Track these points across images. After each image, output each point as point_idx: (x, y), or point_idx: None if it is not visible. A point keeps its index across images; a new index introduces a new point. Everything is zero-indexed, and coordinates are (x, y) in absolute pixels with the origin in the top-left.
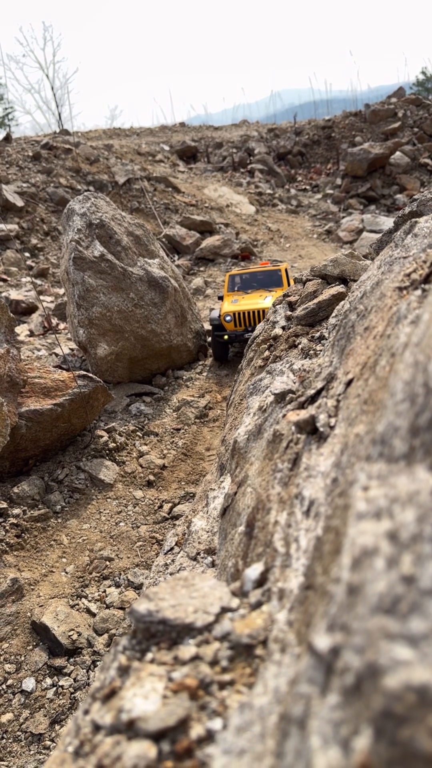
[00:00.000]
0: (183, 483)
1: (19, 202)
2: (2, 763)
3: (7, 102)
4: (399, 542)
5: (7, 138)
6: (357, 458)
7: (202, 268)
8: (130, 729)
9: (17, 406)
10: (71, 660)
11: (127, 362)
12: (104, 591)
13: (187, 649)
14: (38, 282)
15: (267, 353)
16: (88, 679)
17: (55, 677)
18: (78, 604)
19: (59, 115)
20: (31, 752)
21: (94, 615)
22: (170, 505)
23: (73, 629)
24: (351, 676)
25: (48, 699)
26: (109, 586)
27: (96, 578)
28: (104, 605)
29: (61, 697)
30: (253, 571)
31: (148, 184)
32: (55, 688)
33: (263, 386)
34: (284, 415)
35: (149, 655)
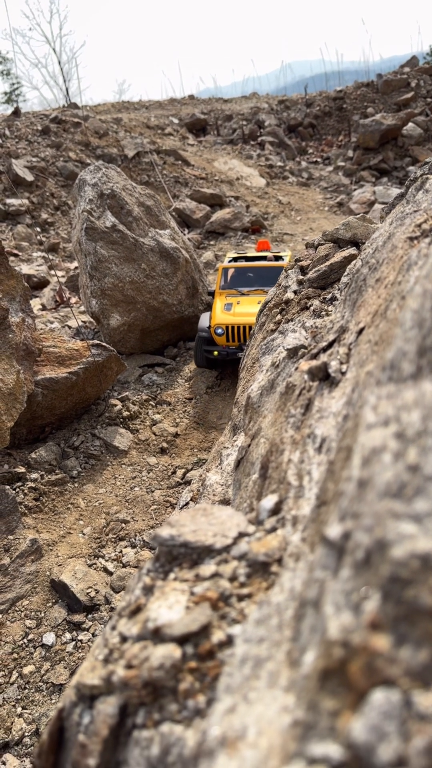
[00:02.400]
0: (195, 450)
1: (29, 177)
2: (25, 711)
3: (14, 77)
4: (405, 439)
5: (16, 112)
6: (368, 389)
7: (212, 242)
8: (156, 635)
9: (33, 375)
10: (89, 616)
11: (139, 333)
12: (120, 551)
13: (208, 568)
14: (49, 257)
15: (279, 317)
16: None
17: (74, 632)
18: (95, 564)
19: (67, 89)
20: (53, 701)
21: (111, 574)
22: (183, 470)
23: (90, 587)
24: (361, 551)
25: (68, 652)
26: (125, 547)
27: (112, 539)
28: (121, 564)
29: (80, 651)
30: (268, 501)
31: (158, 158)
32: (74, 642)
33: (276, 345)
34: (297, 368)
35: (172, 575)
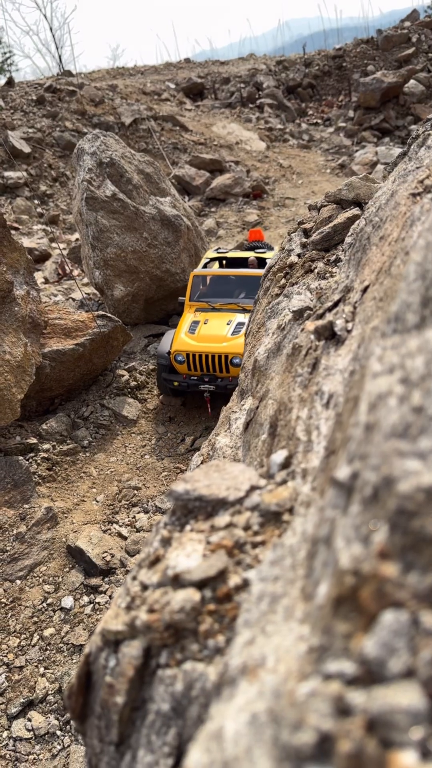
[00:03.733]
0: (203, 419)
1: (26, 149)
2: (48, 671)
3: (5, 46)
4: (409, 383)
5: (10, 82)
6: (373, 342)
7: (213, 209)
8: (175, 582)
9: (40, 347)
10: (106, 579)
11: (143, 303)
12: (134, 517)
13: (222, 519)
14: (50, 229)
15: (283, 281)
16: None
17: (92, 595)
18: (110, 529)
19: (60, 57)
20: (74, 661)
21: (125, 538)
22: (192, 438)
23: (106, 551)
24: (369, 488)
25: (86, 614)
26: (138, 512)
27: (125, 506)
28: (135, 529)
29: (98, 613)
30: (278, 456)
31: (155, 124)
32: (92, 605)
33: (281, 308)
34: (302, 329)
35: (188, 527)
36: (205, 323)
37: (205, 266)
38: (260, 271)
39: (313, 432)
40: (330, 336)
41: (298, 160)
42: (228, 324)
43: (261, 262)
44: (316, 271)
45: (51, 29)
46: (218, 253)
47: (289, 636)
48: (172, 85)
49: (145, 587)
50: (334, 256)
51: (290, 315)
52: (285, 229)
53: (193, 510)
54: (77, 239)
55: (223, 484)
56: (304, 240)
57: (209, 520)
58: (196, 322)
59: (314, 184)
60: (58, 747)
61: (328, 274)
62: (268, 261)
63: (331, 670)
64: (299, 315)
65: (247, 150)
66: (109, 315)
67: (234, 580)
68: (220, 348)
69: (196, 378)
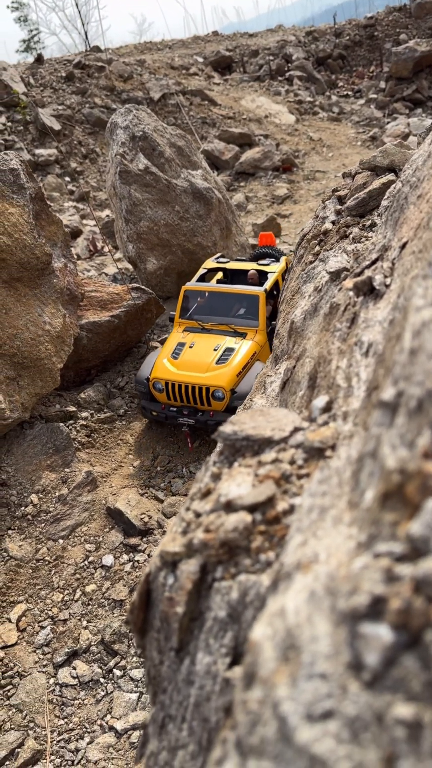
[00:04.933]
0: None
1: (56, 126)
2: (90, 624)
3: (32, 23)
4: None
5: (39, 59)
6: (415, 283)
7: (242, 183)
8: (228, 507)
9: (78, 319)
10: (144, 539)
11: (176, 276)
12: (169, 482)
13: (268, 455)
14: (80, 206)
15: (317, 248)
16: None
17: (131, 554)
18: (147, 493)
19: (86, 33)
20: (114, 615)
21: (161, 501)
22: None
23: (144, 513)
24: (414, 401)
25: (126, 572)
26: (173, 478)
27: (161, 472)
28: (170, 493)
29: (137, 570)
30: (320, 401)
31: (184, 99)
32: (131, 563)
33: (317, 273)
34: (340, 289)
35: (236, 464)
36: (190, 347)
37: (202, 277)
38: (257, 290)
39: (353, 378)
40: (369, 291)
41: (329, 133)
42: (215, 350)
43: (263, 276)
44: (351, 236)
45: (77, 5)
46: (218, 262)
47: (338, 537)
48: (200, 59)
49: (198, 515)
50: (369, 221)
51: (327, 277)
52: (315, 202)
53: (241, 449)
54: (108, 215)
55: (268, 425)
56: (339, 207)
57: (256, 457)
58: (181, 345)
59: (345, 156)
60: (102, 693)
61: (363, 239)
62: (269, 276)
63: (381, 549)
64: (336, 276)
65: (277, 123)
66: (143, 287)
67: (282, 506)
68: (201, 379)
69: (174, 409)
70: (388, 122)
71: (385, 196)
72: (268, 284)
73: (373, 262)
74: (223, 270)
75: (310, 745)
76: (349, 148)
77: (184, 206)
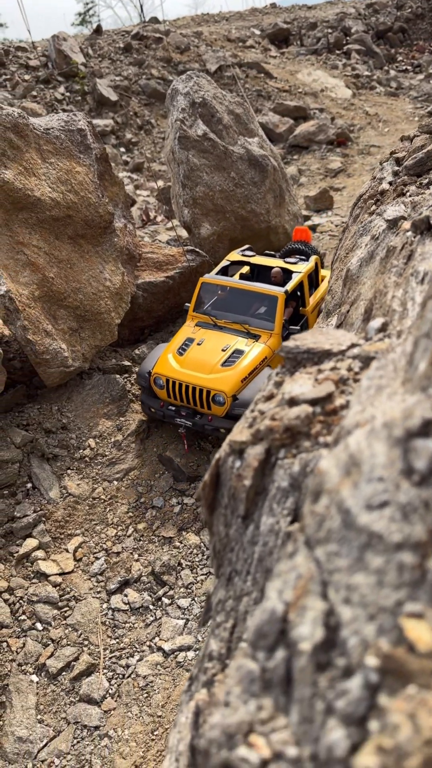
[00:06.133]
0: None
1: (113, 97)
2: (141, 557)
3: None
4: None
5: (98, 30)
6: None
7: (295, 156)
8: (291, 402)
9: (135, 278)
10: (192, 485)
11: (228, 243)
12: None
13: (327, 365)
14: (134, 176)
15: (373, 207)
16: None
17: (180, 497)
18: (194, 444)
19: (141, 6)
20: (164, 550)
21: (209, 453)
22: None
23: (192, 462)
24: None
25: (175, 513)
26: None
27: None
28: (218, 446)
29: (185, 512)
30: (376, 322)
31: (240, 71)
32: (180, 506)
33: (373, 225)
34: (397, 234)
35: (297, 373)
36: (198, 344)
37: (224, 269)
38: (277, 291)
39: (408, 303)
40: (426, 228)
41: (385, 108)
42: (223, 350)
43: (288, 275)
44: (408, 194)
45: None
46: (243, 255)
47: (392, 404)
48: (257, 32)
49: (263, 412)
50: (426, 180)
51: (384, 225)
52: (369, 176)
53: (302, 361)
54: (160, 186)
55: (327, 341)
56: (396, 168)
57: (315, 366)
58: (189, 341)
59: (401, 132)
60: (151, 618)
61: (419, 196)
62: (294, 276)
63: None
64: (393, 224)
65: (332, 97)
66: (197, 250)
67: (339, 401)
68: (203, 380)
69: (173, 409)
70: None
71: None
72: (290, 285)
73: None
74: (249, 264)
75: (369, 525)
76: (406, 124)
77: (240, 173)
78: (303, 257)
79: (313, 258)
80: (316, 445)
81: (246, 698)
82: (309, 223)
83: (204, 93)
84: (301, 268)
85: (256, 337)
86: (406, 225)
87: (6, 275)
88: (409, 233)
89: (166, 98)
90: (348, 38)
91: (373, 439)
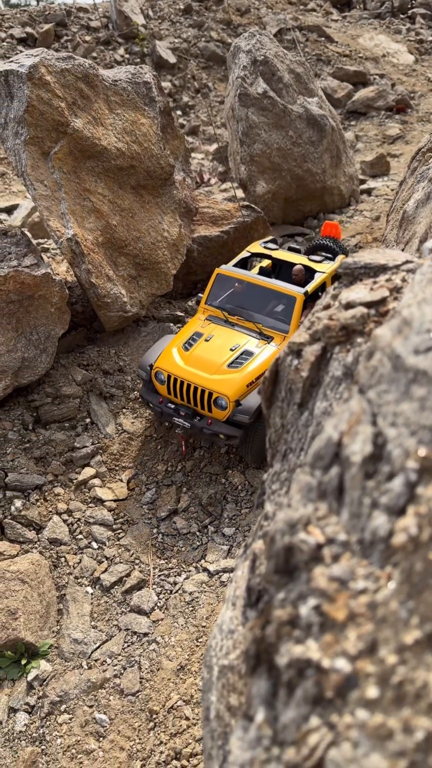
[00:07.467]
0: None
1: (172, 59)
2: (189, 491)
3: None
4: None
5: None
6: None
7: (353, 122)
8: (347, 306)
9: (191, 231)
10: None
11: (283, 202)
12: None
13: (383, 277)
14: (190, 139)
15: None
16: None
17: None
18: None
19: None
20: (210, 487)
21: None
22: None
23: None
24: None
25: (221, 454)
26: None
27: None
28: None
29: (231, 454)
30: (430, 242)
31: (300, 35)
32: (227, 447)
33: (431, 171)
34: None
35: (354, 285)
36: (206, 340)
37: (243, 261)
38: (297, 291)
39: None
40: None
41: None
42: (231, 350)
43: (311, 275)
44: None
45: None
46: (265, 248)
47: None
48: None
49: (320, 319)
50: None
51: None
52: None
53: (359, 276)
54: (215, 149)
55: (383, 257)
56: None
57: (371, 279)
58: (197, 336)
59: None
60: (198, 543)
61: None
62: (317, 276)
63: None
64: None
65: (394, 63)
66: (252, 206)
67: (392, 304)
68: (206, 381)
69: (172, 406)
70: None
71: None
72: (311, 286)
73: None
74: (269, 258)
75: (416, 365)
76: None
77: (298, 132)
78: (329, 255)
79: (339, 257)
80: (369, 340)
81: (305, 502)
82: (365, 186)
83: (266, 51)
84: (325, 268)
85: (268, 339)
86: None
87: (73, 220)
88: None
89: (228, 56)
90: (413, 2)
91: (424, 305)
